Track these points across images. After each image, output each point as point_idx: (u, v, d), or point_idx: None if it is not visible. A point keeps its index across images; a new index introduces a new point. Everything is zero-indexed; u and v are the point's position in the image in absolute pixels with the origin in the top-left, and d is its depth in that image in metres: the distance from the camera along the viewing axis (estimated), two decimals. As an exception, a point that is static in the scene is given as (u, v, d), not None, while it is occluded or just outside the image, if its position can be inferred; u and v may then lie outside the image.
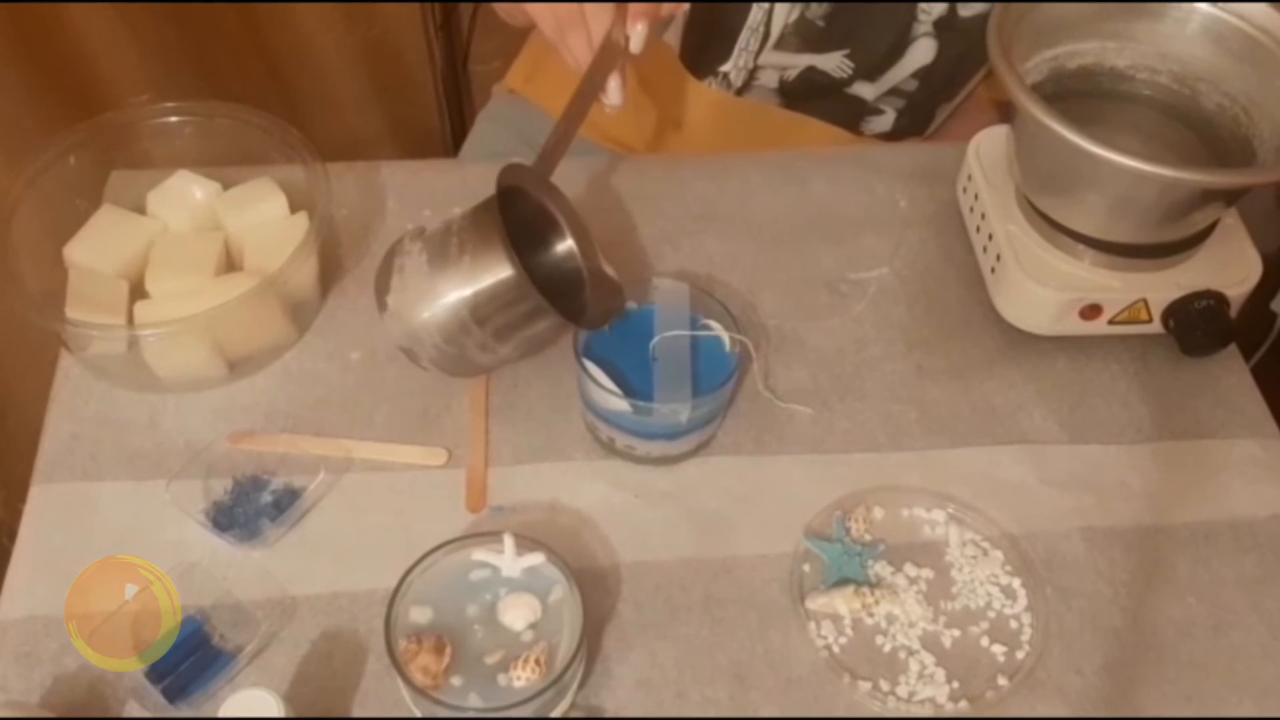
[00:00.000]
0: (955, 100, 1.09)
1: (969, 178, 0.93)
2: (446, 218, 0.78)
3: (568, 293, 0.80)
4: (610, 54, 0.79)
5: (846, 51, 1.01)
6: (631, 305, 0.83)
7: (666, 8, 0.81)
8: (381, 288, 0.78)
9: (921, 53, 1.02)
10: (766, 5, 0.97)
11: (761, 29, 0.98)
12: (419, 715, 0.68)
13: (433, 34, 1.41)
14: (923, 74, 1.04)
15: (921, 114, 1.08)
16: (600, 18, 0.79)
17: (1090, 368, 0.88)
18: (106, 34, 1.23)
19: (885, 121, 1.08)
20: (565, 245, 0.82)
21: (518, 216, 0.76)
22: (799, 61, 1.02)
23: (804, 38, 1.00)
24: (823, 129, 1.08)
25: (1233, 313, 0.85)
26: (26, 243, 0.83)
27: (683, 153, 1.10)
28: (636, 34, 0.79)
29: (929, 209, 0.98)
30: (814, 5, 0.97)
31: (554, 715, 0.68)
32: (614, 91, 0.81)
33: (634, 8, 0.79)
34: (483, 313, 0.75)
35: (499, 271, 0.73)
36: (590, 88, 0.80)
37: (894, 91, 1.06)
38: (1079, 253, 0.85)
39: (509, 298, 0.74)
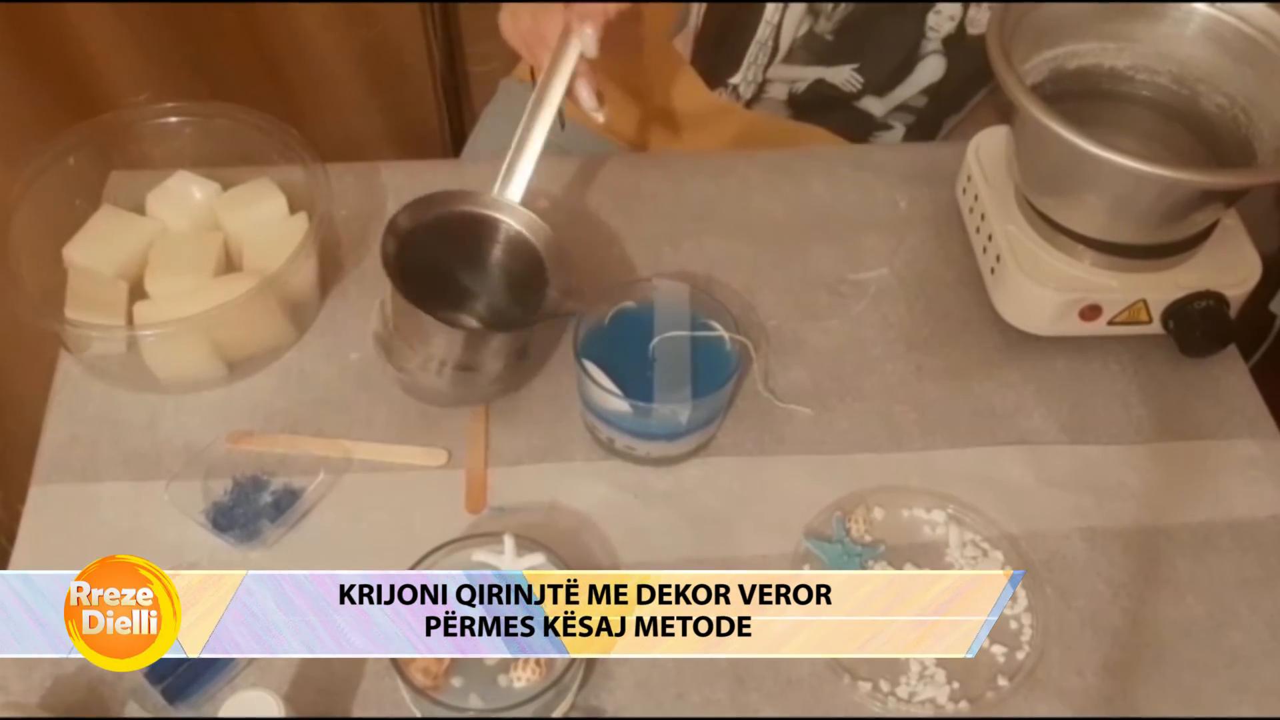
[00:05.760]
0: (963, 112, 1.09)
1: (969, 178, 0.93)
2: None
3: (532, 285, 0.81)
4: (569, 58, 0.80)
5: (856, 66, 1.01)
6: (631, 305, 0.83)
7: (613, 8, 0.80)
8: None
9: (931, 70, 1.02)
10: (775, 20, 0.97)
11: (770, 43, 0.98)
12: (419, 716, 0.68)
13: (432, 34, 1.41)
14: (932, 90, 1.04)
15: (929, 127, 1.08)
16: (550, 21, 0.80)
17: (1090, 368, 0.88)
18: (106, 34, 1.22)
19: (894, 136, 1.08)
20: (511, 233, 0.82)
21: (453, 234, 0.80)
22: (808, 74, 1.02)
23: (813, 51, 1.00)
24: (831, 142, 1.08)
25: (1232, 313, 0.85)
26: (26, 243, 0.83)
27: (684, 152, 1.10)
28: (586, 37, 0.79)
29: (928, 209, 0.98)
30: (822, 19, 0.97)
31: (554, 716, 0.68)
32: (587, 98, 0.81)
33: (578, 9, 0.79)
34: (465, 361, 0.79)
35: (441, 336, 0.77)
36: (546, 96, 0.80)
37: (903, 107, 1.06)
38: (1079, 253, 0.85)
39: (465, 348, 0.79)
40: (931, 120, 1.08)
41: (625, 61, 1.08)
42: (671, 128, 1.09)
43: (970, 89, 1.07)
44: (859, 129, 1.08)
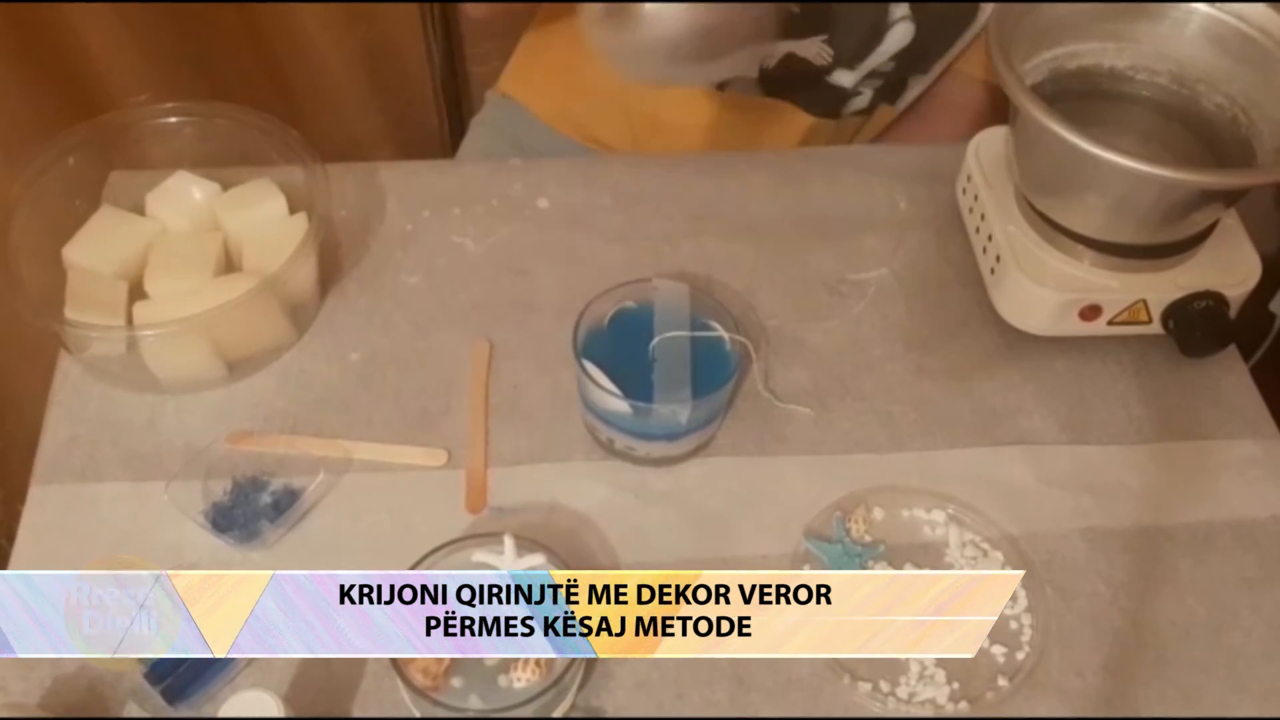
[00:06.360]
0: (930, 74, 1.09)
1: (969, 178, 0.93)
2: None
3: None
4: None
5: (825, 37, 1.01)
6: (631, 305, 0.83)
7: None
8: None
9: (899, 36, 1.02)
10: None
11: None
12: (419, 716, 0.68)
13: (432, 34, 1.41)
14: (900, 55, 1.04)
15: (896, 87, 1.08)
16: None
17: (1090, 368, 0.88)
18: (106, 34, 1.22)
19: (862, 101, 1.08)
20: None
21: None
22: (777, 49, 1.02)
23: (780, 24, 0.99)
24: (804, 118, 1.08)
25: (1232, 313, 0.85)
26: (26, 243, 0.83)
27: (675, 150, 1.09)
28: None
29: (928, 210, 0.98)
30: None
31: (554, 716, 0.68)
32: None
33: None
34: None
35: None
36: None
37: (871, 74, 1.06)
38: (1078, 253, 0.85)
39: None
40: (898, 82, 1.07)
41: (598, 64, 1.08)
42: (647, 119, 1.09)
43: (936, 48, 1.06)
44: (831, 102, 1.07)
